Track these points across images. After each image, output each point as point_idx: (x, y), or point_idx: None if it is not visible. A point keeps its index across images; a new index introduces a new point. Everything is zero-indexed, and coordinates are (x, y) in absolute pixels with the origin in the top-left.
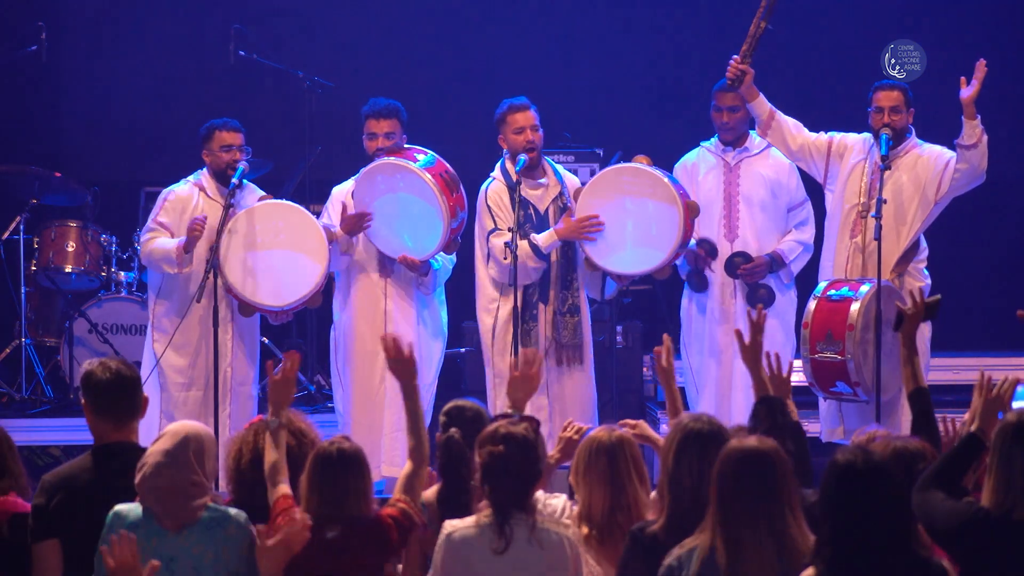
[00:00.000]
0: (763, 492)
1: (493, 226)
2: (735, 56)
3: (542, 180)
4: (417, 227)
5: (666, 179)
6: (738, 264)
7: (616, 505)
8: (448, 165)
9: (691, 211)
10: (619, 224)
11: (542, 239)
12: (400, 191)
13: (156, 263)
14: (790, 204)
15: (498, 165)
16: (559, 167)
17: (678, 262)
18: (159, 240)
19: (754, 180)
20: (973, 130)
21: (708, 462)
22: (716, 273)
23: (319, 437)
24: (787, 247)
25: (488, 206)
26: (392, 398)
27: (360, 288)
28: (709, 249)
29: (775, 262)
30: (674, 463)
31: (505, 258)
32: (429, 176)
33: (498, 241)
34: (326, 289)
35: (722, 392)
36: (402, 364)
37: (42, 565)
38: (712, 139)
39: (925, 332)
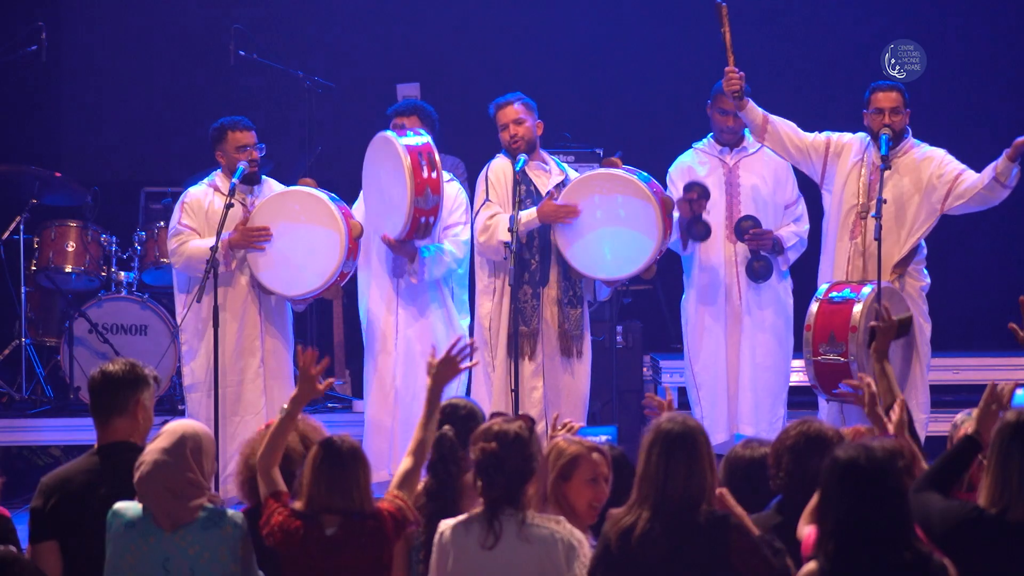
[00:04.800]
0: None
1: (485, 198)
2: (729, 68)
3: (545, 166)
4: (394, 206)
5: (637, 179)
6: (747, 228)
7: None
8: (436, 153)
9: (667, 207)
10: (596, 230)
11: (523, 215)
12: (387, 169)
13: (195, 265)
14: (786, 201)
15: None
16: (563, 164)
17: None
18: (195, 241)
19: (754, 178)
20: (1009, 170)
21: (674, 460)
22: (714, 225)
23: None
24: (786, 234)
25: (487, 178)
26: (403, 399)
27: (375, 287)
28: (701, 192)
29: (776, 244)
30: (644, 462)
31: (505, 249)
32: (403, 147)
33: (487, 212)
34: (352, 286)
35: (731, 390)
36: (446, 369)
37: (42, 567)
38: (704, 140)
39: (925, 332)
